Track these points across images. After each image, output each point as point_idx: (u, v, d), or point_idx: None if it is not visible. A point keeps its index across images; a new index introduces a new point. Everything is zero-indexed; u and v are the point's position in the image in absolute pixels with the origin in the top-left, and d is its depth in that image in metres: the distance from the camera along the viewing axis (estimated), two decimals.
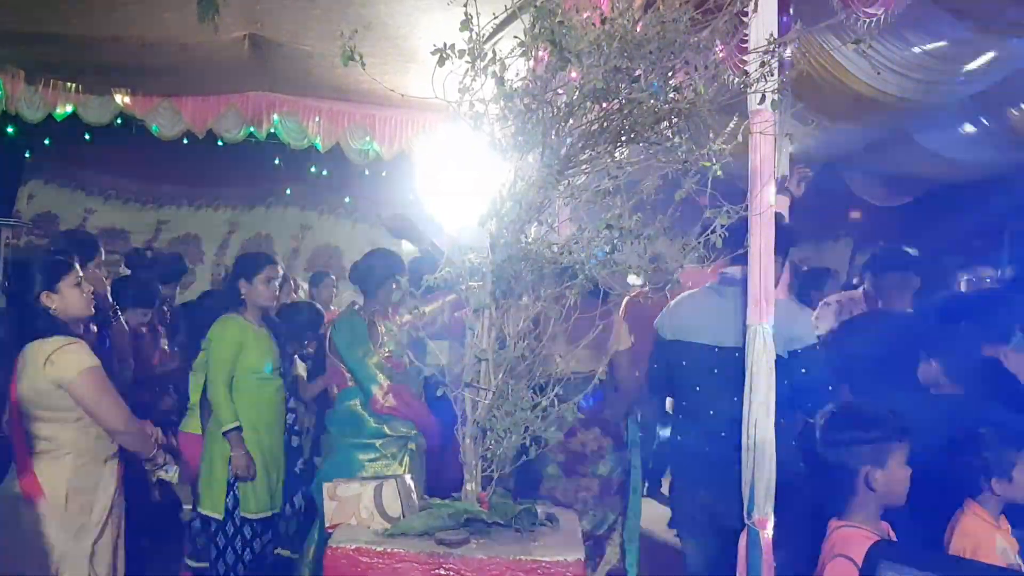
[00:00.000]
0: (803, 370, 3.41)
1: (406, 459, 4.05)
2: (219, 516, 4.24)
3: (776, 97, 2.74)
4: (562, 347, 2.77)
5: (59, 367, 3.20)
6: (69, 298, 3.35)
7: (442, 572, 2.39)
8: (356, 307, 4.26)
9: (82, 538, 3.28)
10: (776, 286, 3.52)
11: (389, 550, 2.44)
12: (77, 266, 3.47)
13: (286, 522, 4.78)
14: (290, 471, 4.72)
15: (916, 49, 5.03)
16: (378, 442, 4.02)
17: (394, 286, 4.12)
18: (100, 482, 3.36)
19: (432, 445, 4.14)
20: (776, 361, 3.23)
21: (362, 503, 2.64)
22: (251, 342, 4.34)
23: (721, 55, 2.61)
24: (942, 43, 4.99)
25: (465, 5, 2.38)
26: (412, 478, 2.79)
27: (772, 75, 2.65)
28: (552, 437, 2.62)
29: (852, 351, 3.94)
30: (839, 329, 4.51)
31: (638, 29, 2.38)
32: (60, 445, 3.26)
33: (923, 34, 4.91)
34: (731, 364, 3.37)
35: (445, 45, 2.35)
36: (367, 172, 10.50)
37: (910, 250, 4.91)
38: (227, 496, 4.24)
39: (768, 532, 3.22)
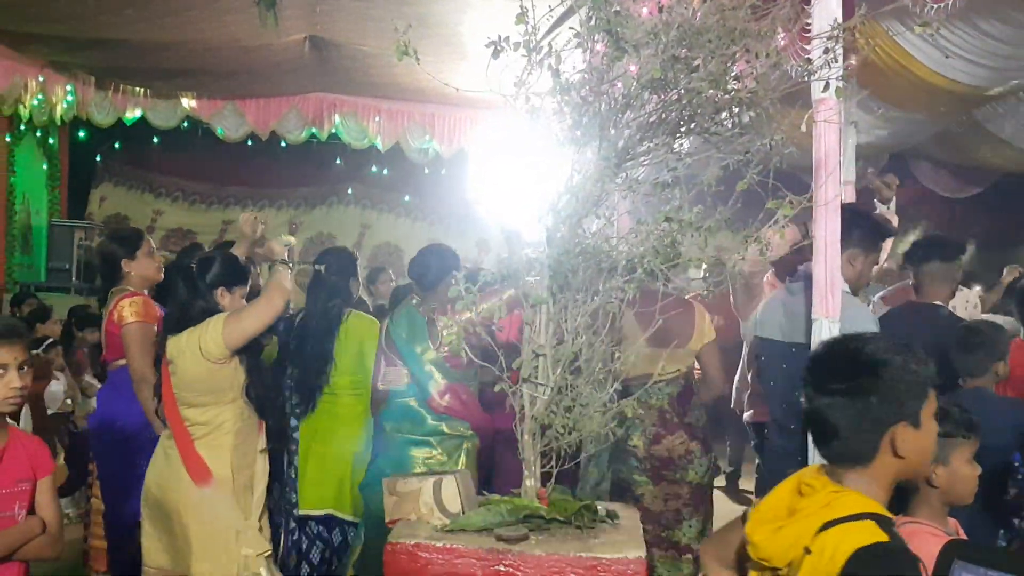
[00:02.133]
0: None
1: (461, 458, 3.98)
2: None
3: (840, 84, 2.67)
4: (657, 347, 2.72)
5: (208, 335, 3.36)
6: (236, 302, 3.57)
7: (501, 568, 2.37)
8: (413, 302, 4.22)
9: (250, 514, 3.46)
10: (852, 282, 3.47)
11: (448, 546, 2.43)
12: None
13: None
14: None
15: (987, 36, 4.89)
16: (435, 439, 3.96)
17: (452, 282, 4.10)
18: (256, 463, 3.53)
19: (483, 447, 4.10)
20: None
21: (422, 498, 2.64)
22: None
23: (783, 42, 2.55)
24: (1014, 29, 4.83)
25: None
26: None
27: (836, 62, 2.58)
28: (606, 434, 2.59)
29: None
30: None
31: (697, 17, 2.33)
32: (220, 426, 3.42)
33: (994, 20, 4.77)
34: (798, 360, 3.31)
35: (500, 38, 2.33)
36: (427, 171, 10.56)
37: (953, 239, 4.71)
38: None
39: None
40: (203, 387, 3.42)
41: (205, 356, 3.35)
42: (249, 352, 3.47)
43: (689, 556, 3.96)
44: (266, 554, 3.47)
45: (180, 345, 3.40)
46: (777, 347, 3.63)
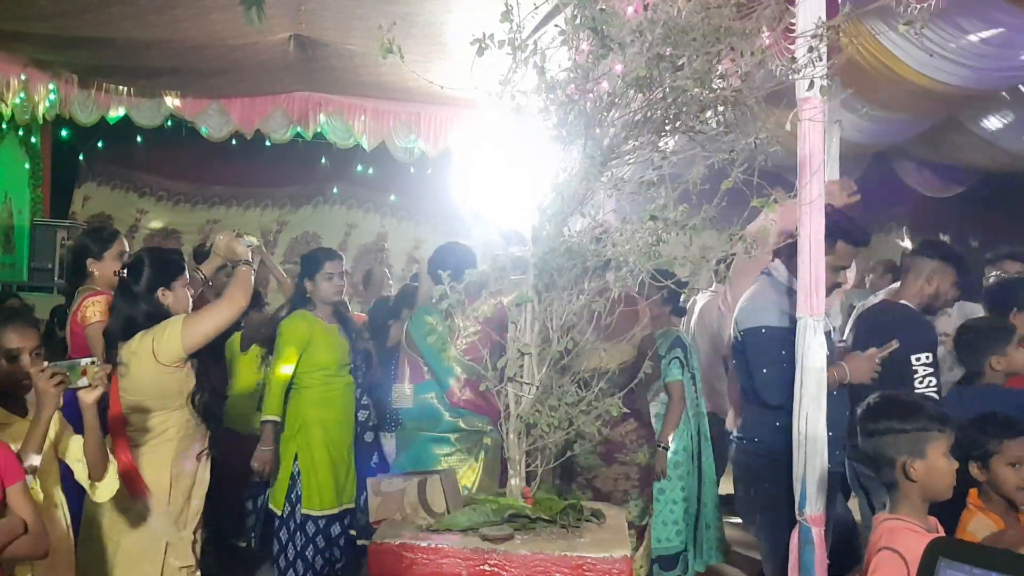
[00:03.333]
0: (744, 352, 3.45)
1: (481, 454, 4.00)
2: (279, 511, 4.28)
3: (825, 83, 2.67)
4: (603, 341, 2.74)
5: (164, 337, 3.29)
6: (181, 297, 3.48)
7: (487, 568, 2.37)
8: (433, 300, 4.21)
9: (187, 524, 3.39)
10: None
11: (433, 545, 2.43)
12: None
13: (364, 514, 4.81)
14: (365, 466, 4.74)
15: (971, 36, 4.91)
16: (453, 436, 3.97)
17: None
18: (197, 473, 3.45)
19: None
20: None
21: (407, 498, 2.63)
22: (319, 338, 4.38)
23: (768, 41, 2.56)
24: (997, 30, 4.86)
25: None
26: (486, 471, 2.75)
27: (820, 60, 2.59)
28: (595, 432, 2.60)
29: (859, 346, 3.82)
30: (855, 323, 4.32)
31: (682, 16, 2.33)
32: (163, 432, 3.34)
33: (977, 21, 4.79)
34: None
35: (484, 35, 2.33)
36: (412, 170, 10.54)
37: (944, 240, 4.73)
38: (291, 492, 4.28)
39: (821, 529, 3.17)
40: (152, 391, 3.32)
41: (159, 359, 3.27)
42: (200, 357, 3.38)
43: (633, 531, 4.10)
44: (191, 567, 3.41)
45: (132, 348, 3.31)
46: (776, 332, 3.51)
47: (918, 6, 3.56)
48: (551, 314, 2.56)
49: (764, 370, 3.42)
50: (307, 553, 4.28)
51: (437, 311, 4.04)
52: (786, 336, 3.38)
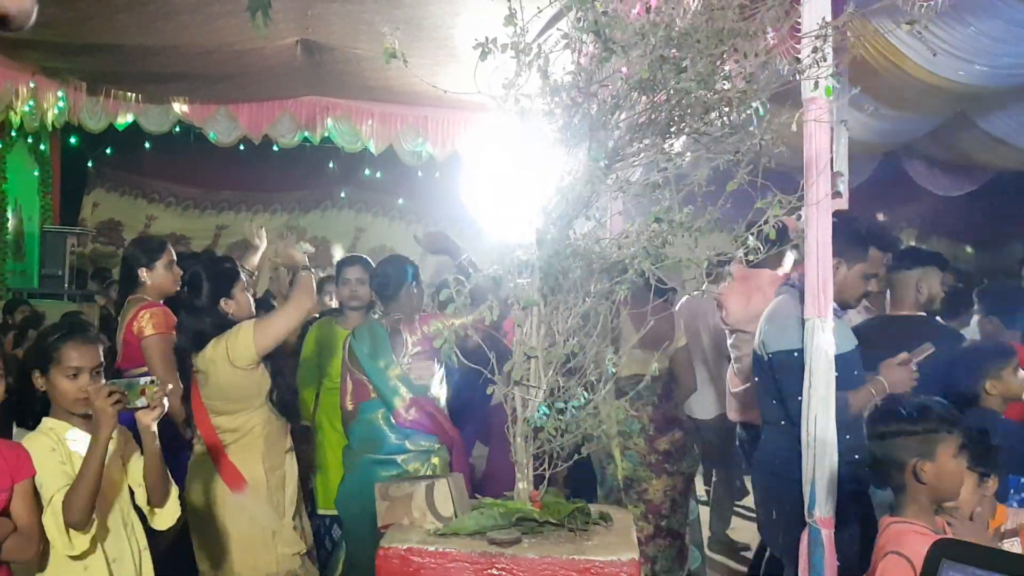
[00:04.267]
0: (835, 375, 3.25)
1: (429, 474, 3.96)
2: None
3: (830, 83, 2.66)
4: (616, 347, 2.73)
5: (238, 343, 3.48)
6: (243, 302, 3.71)
7: (494, 572, 2.36)
8: (375, 316, 4.18)
9: (284, 513, 3.62)
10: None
11: (441, 550, 2.42)
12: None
13: None
14: None
15: (978, 32, 4.88)
16: (399, 458, 3.89)
17: (415, 291, 4.10)
18: (286, 464, 3.68)
19: (453, 459, 4.06)
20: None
21: (414, 502, 2.63)
22: (333, 344, 4.45)
23: (772, 41, 2.55)
24: (1005, 26, 4.82)
25: (509, 0, 2.35)
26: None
27: (826, 60, 2.58)
28: (606, 434, 2.59)
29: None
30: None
31: (685, 17, 2.33)
32: (250, 431, 3.56)
33: (985, 17, 4.76)
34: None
35: (487, 39, 2.32)
36: (420, 174, 10.55)
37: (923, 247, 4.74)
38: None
39: (830, 531, 3.15)
40: (233, 394, 3.52)
41: (234, 364, 3.45)
42: (272, 358, 3.60)
43: (679, 541, 4.23)
44: (302, 552, 3.62)
45: (208, 357, 3.49)
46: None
47: (923, 4, 3.55)
48: (557, 317, 2.55)
49: (800, 397, 3.24)
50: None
51: (381, 327, 4.03)
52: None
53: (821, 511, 3.14)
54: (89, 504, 2.48)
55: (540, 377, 2.55)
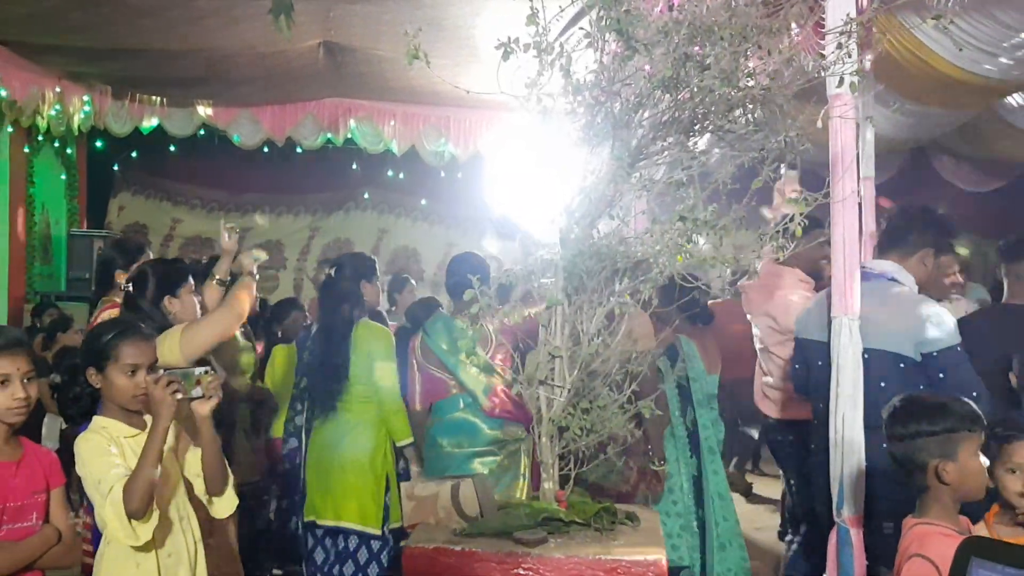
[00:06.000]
0: (940, 375, 3.15)
1: (523, 460, 3.90)
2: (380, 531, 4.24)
3: (855, 79, 2.64)
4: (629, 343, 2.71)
5: (164, 346, 3.25)
6: (188, 304, 3.52)
7: (520, 571, 2.36)
8: (442, 311, 4.15)
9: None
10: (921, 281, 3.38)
11: (467, 549, 2.43)
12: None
13: None
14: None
15: (1005, 26, 4.82)
16: (496, 447, 3.87)
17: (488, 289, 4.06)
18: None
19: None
20: (910, 364, 3.11)
21: (440, 503, 2.63)
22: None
23: (796, 38, 2.53)
24: None
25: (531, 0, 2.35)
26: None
27: (850, 56, 2.56)
28: (631, 435, 2.59)
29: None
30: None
31: (708, 15, 2.31)
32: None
33: (1012, 11, 4.70)
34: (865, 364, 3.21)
35: (509, 39, 2.32)
36: (443, 174, 10.56)
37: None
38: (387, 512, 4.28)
39: (859, 530, 3.12)
40: None
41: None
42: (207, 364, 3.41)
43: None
44: None
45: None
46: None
47: None
48: (581, 317, 2.55)
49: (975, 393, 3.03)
50: None
51: (453, 320, 3.97)
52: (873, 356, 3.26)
53: (849, 510, 3.11)
54: (149, 492, 2.49)
55: (564, 377, 2.55)
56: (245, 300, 3.49)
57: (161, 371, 2.63)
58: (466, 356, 3.88)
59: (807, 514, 4.37)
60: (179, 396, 2.56)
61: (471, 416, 3.91)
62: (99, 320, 3.97)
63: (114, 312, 3.93)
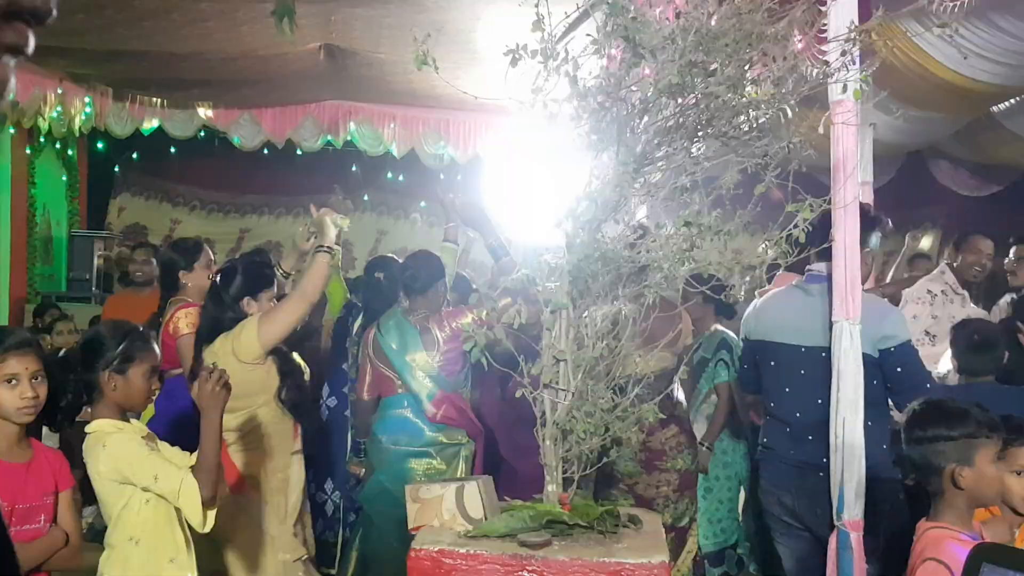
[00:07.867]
0: (898, 369, 3.27)
1: (460, 465, 3.97)
2: None
3: (859, 86, 2.66)
4: (639, 347, 2.74)
5: (243, 337, 3.40)
6: (265, 309, 3.58)
7: (525, 574, 2.38)
8: (399, 310, 4.13)
9: (285, 518, 3.48)
10: (864, 281, 3.42)
11: (472, 552, 2.44)
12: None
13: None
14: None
15: (1006, 33, 4.84)
16: (434, 449, 3.92)
17: (442, 288, 4.08)
18: (291, 467, 3.53)
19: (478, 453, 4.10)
20: (869, 362, 3.15)
21: (444, 505, 2.64)
22: None
23: (800, 45, 2.55)
24: None
25: (536, 5, 2.37)
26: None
27: (853, 64, 2.58)
28: (634, 438, 2.60)
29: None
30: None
31: (713, 22, 2.33)
32: (253, 430, 3.43)
33: (1012, 18, 4.73)
34: (819, 364, 3.28)
35: (518, 46, 2.34)
36: (442, 176, 10.58)
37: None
38: None
39: (859, 534, 3.14)
40: (236, 391, 3.40)
41: (239, 358, 3.36)
42: (282, 354, 3.49)
43: (671, 534, 4.22)
44: (303, 558, 3.50)
45: (214, 351, 3.42)
46: (792, 351, 3.48)
47: (951, 5, 3.54)
48: (586, 320, 2.57)
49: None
50: None
51: (408, 322, 4.01)
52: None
53: (850, 514, 3.13)
54: (217, 480, 2.62)
55: (569, 380, 2.56)
56: (319, 283, 3.55)
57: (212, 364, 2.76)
58: (413, 360, 3.94)
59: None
60: (228, 391, 2.70)
61: (413, 416, 3.96)
62: (172, 322, 4.00)
63: (191, 311, 3.97)
